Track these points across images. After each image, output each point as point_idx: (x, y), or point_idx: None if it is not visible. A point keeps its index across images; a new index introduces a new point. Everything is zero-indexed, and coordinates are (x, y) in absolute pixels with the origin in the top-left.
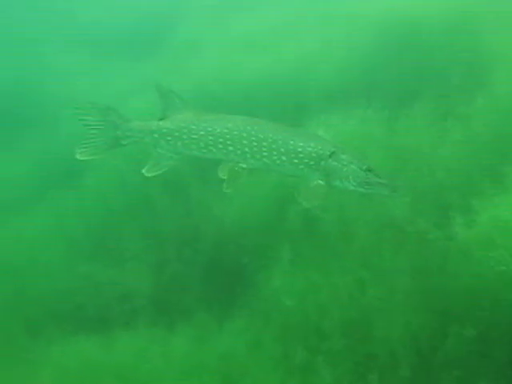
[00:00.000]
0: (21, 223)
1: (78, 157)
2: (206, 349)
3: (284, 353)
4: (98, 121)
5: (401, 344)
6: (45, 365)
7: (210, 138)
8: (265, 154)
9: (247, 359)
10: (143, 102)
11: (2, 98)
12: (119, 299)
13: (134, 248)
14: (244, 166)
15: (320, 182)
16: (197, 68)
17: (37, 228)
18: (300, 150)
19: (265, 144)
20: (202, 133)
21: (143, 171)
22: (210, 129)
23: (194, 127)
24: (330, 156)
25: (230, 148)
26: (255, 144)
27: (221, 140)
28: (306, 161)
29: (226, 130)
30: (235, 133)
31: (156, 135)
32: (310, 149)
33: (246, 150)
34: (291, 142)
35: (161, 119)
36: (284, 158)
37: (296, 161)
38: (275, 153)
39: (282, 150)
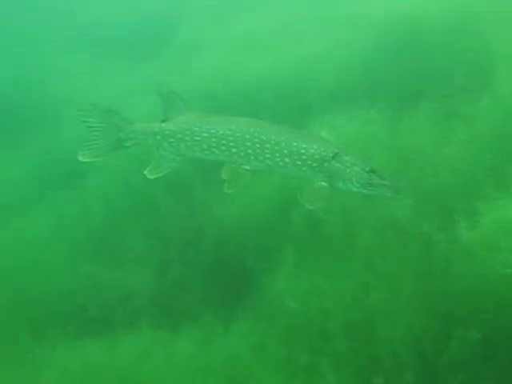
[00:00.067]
0: (23, 224)
1: (80, 159)
2: (210, 351)
3: (288, 355)
4: (101, 123)
5: (405, 347)
6: (48, 366)
7: (213, 139)
8: (268, 155)
9: (251, 362)
10: (144, 103)
11: (3, 98)
12: (122, 300)
13: (138, 249)
14: (247, 167)
15: (323, 183)
16: (198, 68)
17: (39, 229)
18: (303, 151)
19: (268, 146)
20: (204, 135)
21: (145, 172)
22: (212, 131)
23: (196, 129)
24: (333, 158)
25: (233, 150)
26: (258, 146)
27: (224, 142)
28: (309, 162)
29: (229, 132)
30: (238, 134)
31: (159, 137)
32: (312, 150)
33: (249, 151)
34: (294, 144)
35: (163, 121)
36: (287, 159)
37: (299, 162)
38: (278, 154)
39: (285, 151)
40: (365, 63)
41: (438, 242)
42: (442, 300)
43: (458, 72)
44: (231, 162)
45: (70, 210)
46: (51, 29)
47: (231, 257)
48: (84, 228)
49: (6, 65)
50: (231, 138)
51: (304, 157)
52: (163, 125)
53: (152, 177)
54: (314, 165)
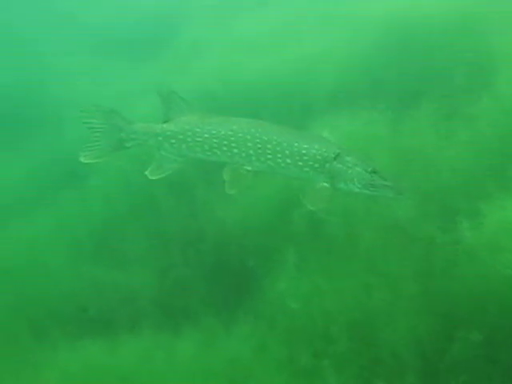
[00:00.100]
0: (24, 224)
1: (82, 160)
2: (211, 353)
3: (289, 356)
4: (102, 123)
5: (406, 348)
6: (48, 367)
7: (215, 140)
8: (269, 156)
9: (253, 363)
10: (145, 104)
11: (5, 99)
12: (123, 301)
13: (139, 249)
14: (249, 168)
15: (325, 184)
16: (198, 68)
17: (40, 230)
18: (305, 152)
19: (269, 146)
20: (206, 135)
21: (146, 173)
22: (214, 131)
23: (198, 130)
24: (334, 158)
25: (235, 150)
26: (260, 146)
27: (225, 142)
28: (311, 163)
29: (230, 133)
30: (240, 135)
31: (160, 138)
32: (314, 151)
33: (251, 152)
34: (296, 145)
35: (165, 122)
36: (289, 160)
37: (301, 163)
38: (280, 155)
39: (287, 152)
40: (365, 63)
41: (439, 242)
42: (443, 301)
43: (459, 72)
44: (233, 162)
45: (70, 211)
46: (52, 29)
47: (232, 257)
48: (85, 228)
49: (6, 65)
50: (233, 139)
51: (305, 157)
52: (164, 125)
53: (153, 178)
54: (316, 165)
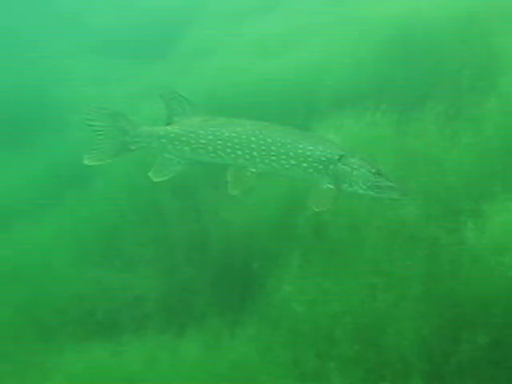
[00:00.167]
0: (30, 228)
1: (86, 162)
2: (216, 355)
3: (295, 359)
4: (107, 126)
5: (413, 351)
6: (55, 370)
7: (219, 142)
8: (273, 158)
9: (257, 365)
10: (151, 106)
11: (9, 102)
12: (129, 304)
13: (144, 252)
14: (253, 170)
15: (329, 185)
16: (207, 71)
17: (46, 232)
18: (309, 153)
19: (273, 148)
20: (210, 137)
21: (150, 175)
22: (218, 133)
23: (202, 132)
24: (339, 160)
25: (239, 152)
26: (264, 148)
27: (229, 144)
28: (315, 165)
29: (234, 135)
30: (244, 137)
31: (164, 140)
32: (318, 152)
33: (255, 154)
34: (300, 146)
35: (168, 124)
36: (293, 162)
37: (305, 165)
38: (284, 157)
39: (291, 153)
40: (372, 65)
41: (444, 243)
42: (449, 303)
43: (466, 74)
44: (237, 164)
45: (75, 214)
46: (58, 31)
47: (237, 259)
48: (90, 231)
49: (10, 67)
50: (237, 141)
51: (310, 159)
52: (168, 128)
53: (157, 180)
54: (320, 167)
